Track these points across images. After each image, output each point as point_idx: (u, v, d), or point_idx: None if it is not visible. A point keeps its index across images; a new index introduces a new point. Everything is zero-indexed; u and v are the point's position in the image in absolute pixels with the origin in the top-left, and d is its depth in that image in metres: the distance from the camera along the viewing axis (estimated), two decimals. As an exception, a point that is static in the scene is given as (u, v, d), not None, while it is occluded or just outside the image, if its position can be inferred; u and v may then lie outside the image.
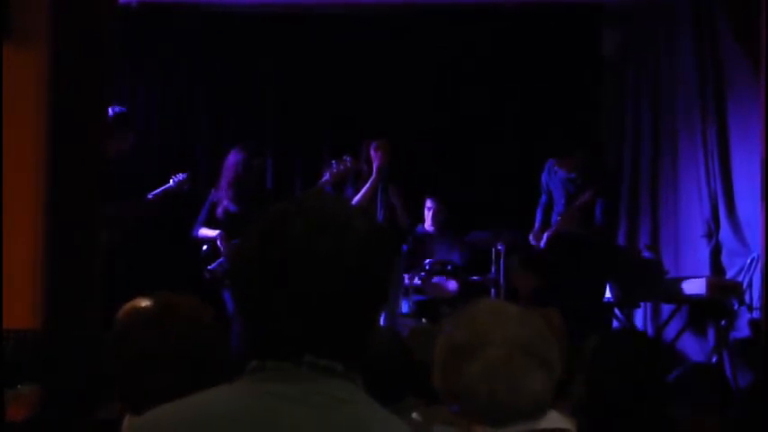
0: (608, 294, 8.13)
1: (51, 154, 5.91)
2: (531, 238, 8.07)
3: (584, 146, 8.26)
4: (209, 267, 7.52)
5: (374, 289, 1.59)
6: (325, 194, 1.70)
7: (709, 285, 7.66)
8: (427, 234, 8.94)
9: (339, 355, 1.57)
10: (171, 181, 7.68)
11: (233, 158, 7.65)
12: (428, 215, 8.81)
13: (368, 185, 7.45)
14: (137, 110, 8.87)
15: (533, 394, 2.17)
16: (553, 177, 8.04)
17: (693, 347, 8.13)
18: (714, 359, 7.78)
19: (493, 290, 8.52)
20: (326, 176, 7.42)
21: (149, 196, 7.54)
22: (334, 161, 7.47)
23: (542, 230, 8.02)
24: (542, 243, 7.92)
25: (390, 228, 7.50)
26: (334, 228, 1.55)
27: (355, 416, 1.54)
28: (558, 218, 7.88)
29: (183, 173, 7.76)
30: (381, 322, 7.33)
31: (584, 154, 8.02)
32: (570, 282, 7.70)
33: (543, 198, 8.22)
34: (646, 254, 8.63)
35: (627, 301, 8.36)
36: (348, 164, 7.38)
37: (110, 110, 7.16)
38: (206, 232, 7.62)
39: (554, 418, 2.21)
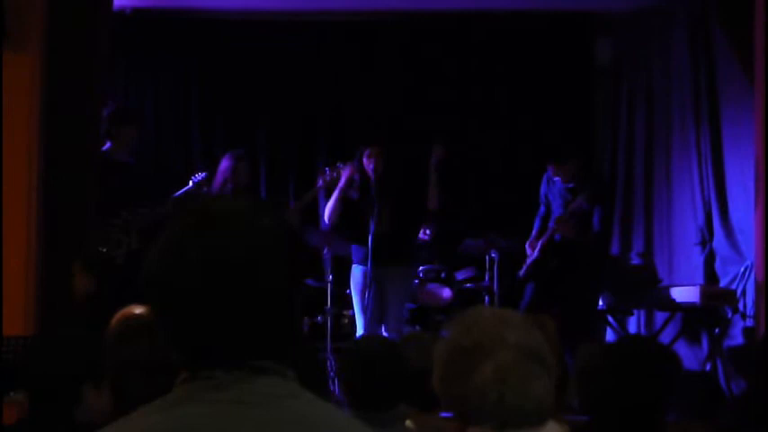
0: (601, 302, 8.13)
1: (45, 158, 5.91)
2: (527, 246, 8.08)
3: (580, 154, 8.28)
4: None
5: (285, 286, 1.56)
6: (227, 198, 1.68)
7: (703, 293, 7.66)
8: (422, 241, 8.93)
9: (266, 354, 1.55)
10: (190, 182, 7.63)
11: (224, 164, 7.66)
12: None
13: (336, 192, 7.44)
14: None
15: (539, 399, 2.17)
16: (552, 188, 8.06)
17: (687, 355, 8.13)
18: (708, 367, 7.78)
19: (486, 297, 8.53)
20: (320, 183, 7.42)
21: (171, 199, 7.44)
22: (327, 168, 7.47)
23: (538, 239, 8.03)
24: (536, 251, 7.93)
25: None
26: (236, 229, 1.54)
27: (298, 410, 1.53)
28: (553, 224, 7.90)
29: (202, 173, 7.69)
30: (383, 331, 7.32)
31: (580, 162, 8.04)
32: (563, 288, 7.72)
33: (542, 209, 8.23)
34: (639, 261, 8.63)
35: (620, 309, 8.37)
36: (341, 170, 7.38)
37: (105, 109, 7.17)
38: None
39: (552, 427, 2.21)
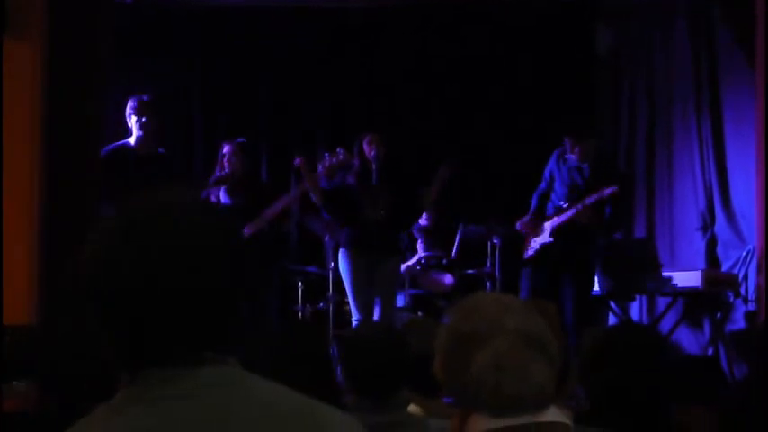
0: (600, 288, 8.08)
1: (47, 149, 5.91)
2: (518, 225, 7.83)
3: (599, 136, 8.12)
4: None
5: (222, 283, 1.55)
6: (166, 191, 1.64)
7: (705, 278, 7.67)
8: (423, 228, 8.95)
9: (205, 346, 1.54)
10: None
11: (221, 151, 7.64)
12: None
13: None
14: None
15: (539, 386, 2.16)
16: (561, 166, 7.75)
17: (689, 340, 8.15)
18: (710, 351, 7.80)
19: (488, 283, 8.53)
20: (320, 169, 7.41)
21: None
22: (326, 154, 7.46)
23: (536, 218, 7.79)
24: (546, 233, 7.74)
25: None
26: (172, 227, 1.53)
27: (251, 394, 1.53)
28: (574, 210, 7.58)
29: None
30: (376, 316, 7.34)
31: (597, 144, 7.90)
32: (569, 274, 7.61)
33: (542, 186, 7.92)
34: (641, 247, 8.63)
35: (622, 294, 8.36)
36: (341, 156, 7.37)
37: (130, 101, 7.18)
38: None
39: (553, 412, 2.20)
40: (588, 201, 7.44)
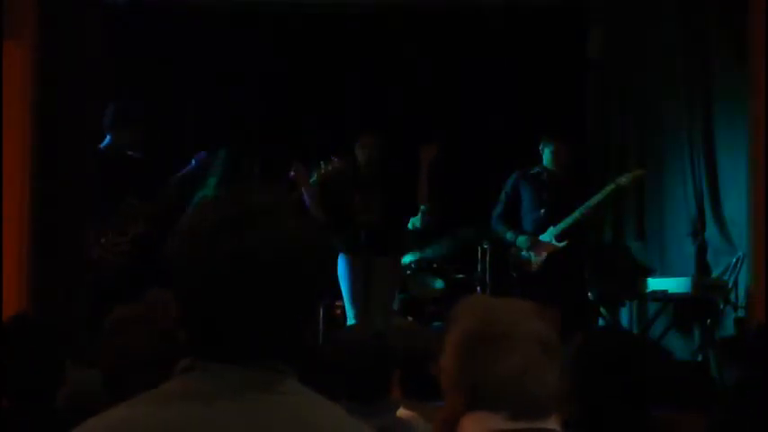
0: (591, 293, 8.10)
1: (38, 149, 5.91)
2: (529, 248, 7.65)
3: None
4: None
5: (305, 288, 1.56)
6: (257, 192, 1.64)
7: (695, 284, 7.67)
8: (413, 231, 8.94)
9: (272, 354, 1.55)
10: (192, 161, 7.59)
11: (203, 156, 7.64)
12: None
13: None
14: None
15: (553, 392, 2.19)
16: (528, 182, 7.77)
17: (679, 346, 8.14)
18: (699, 358, 7.80)
19: (479, 288, 8.52)
20: (314, 176, 7.40)
21: (172, 183, 7.41)
22: (321, 161, 7.45)
23: (538, 233, 7.68)
24: (547, 246, 7.61)
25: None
26: (269, 229, 1.53)
27: (291, 406, 1.53)
28: (583, 210, 7.56)
29: (202, 152, 7.65)
30: (375, 317, 7.32)
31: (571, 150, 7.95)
32: (564, 278, 7.60)
33: (501, 209, 7.87)
34: (631, 253, 8.63)
35: (612, 300, 8.36)
36: (336, 163, 7.37)
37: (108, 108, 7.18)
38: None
39: (553, 419, 2.22)
40: (599, 197, 7.55)
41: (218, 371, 1.52)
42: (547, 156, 7.78)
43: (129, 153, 7.24)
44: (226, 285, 1.50)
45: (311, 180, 7.38)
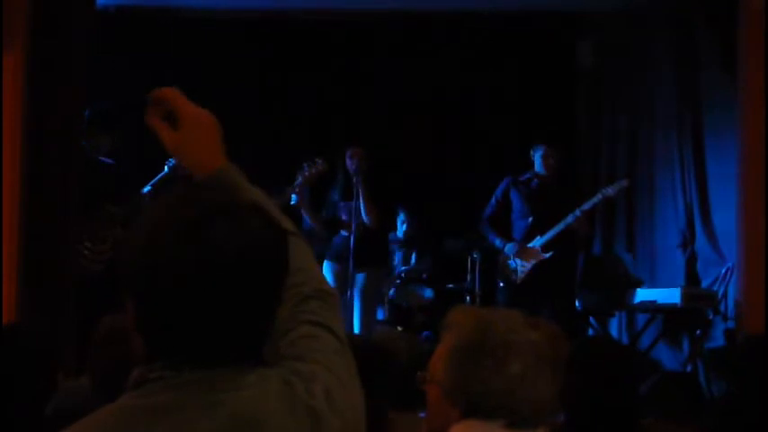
0: (580, 304, 8.09)
1: (28, 155, 5.90)
2: (516, 255, 7.66)
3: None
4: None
5: (266, 287, 1.54)
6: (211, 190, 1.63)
7: (684, 295, 7.67)
8: (402, 241, 8.94)
9: (235, 355, 1.53)
10: (165, 167, 7.58)
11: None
12: (400, 226, 8.85)
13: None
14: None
15: (549, 401, 2.20)
16: (518, 188, 7.80)
17: (668, 357, 8.15)
18: (688, 369, 7.80)
19: (468, 298, 8.52)
20: (299, 180, 7.39)
21: (146, 189, 7.41)
22: (305, 164, 7.44)
23: (526, 241, 7.68)
24: (535, 253, 7.63)
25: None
26: (223, 226, 1.50)
27: (243, 403, 1.50)
28: (572, 218, 7.56)
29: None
30: (357, 329, 7.34)
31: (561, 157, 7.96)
32: (552, 288, 7.60)
33: (490, 211, 7.88)
34: (621, 263, 8.64)
35: (602, 310, 8.37)
36: (320, 166, 7.36)
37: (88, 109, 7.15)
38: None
39: (541, 430, 2.23)
40: (585, 207, 7.51)
41: (173, 377, 1.50)
42: (537, 160, 7.80)
43: (101, 159, 7.23)
44: (186, 288, 1.47)
45: (296, 182, 7.38)
